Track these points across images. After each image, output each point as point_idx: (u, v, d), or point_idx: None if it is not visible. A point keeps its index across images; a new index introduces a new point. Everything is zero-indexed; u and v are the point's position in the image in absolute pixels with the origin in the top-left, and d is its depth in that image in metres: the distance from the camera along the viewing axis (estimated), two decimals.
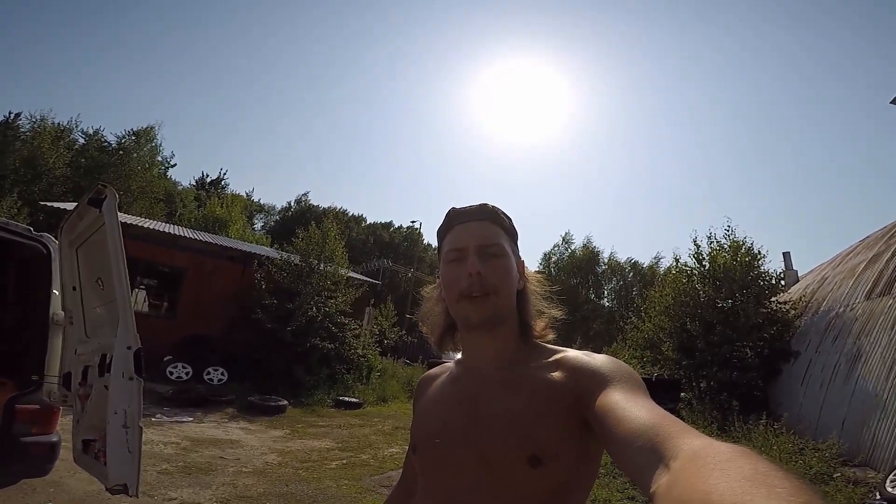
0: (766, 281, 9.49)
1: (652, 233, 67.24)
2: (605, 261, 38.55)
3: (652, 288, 12.96)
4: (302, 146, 73.46)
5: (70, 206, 11.09)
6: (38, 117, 26.82)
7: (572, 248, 38.82)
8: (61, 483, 3.43)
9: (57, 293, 3.11)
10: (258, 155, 69.57)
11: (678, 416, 4.52)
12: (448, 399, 0.80)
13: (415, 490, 0.87)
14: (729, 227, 10.15)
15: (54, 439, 2.84)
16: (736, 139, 73.36)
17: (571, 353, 0.74)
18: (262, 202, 48.01)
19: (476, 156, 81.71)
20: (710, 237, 10.27)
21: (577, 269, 37.43)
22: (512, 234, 0.84)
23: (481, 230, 0.80)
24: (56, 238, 3.08)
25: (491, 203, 0.85)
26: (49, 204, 13.09)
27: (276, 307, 10.55)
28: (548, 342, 0.81)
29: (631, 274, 37.85)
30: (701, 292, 9.66)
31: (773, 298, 9.27)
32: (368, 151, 76.74)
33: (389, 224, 56.45)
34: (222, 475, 4.47)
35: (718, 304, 9.32)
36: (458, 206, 0.85)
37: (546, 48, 78.80)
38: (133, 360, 2.21)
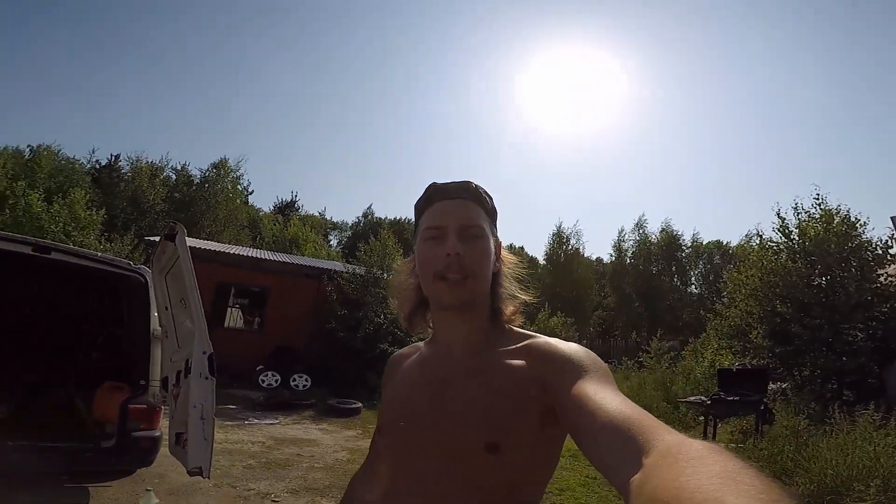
0: (871, 251, 8.38)
1: (737, 210, 62.01)
2: (688, 244, 36.11)
3: (734, 269, 11.97)
4: (361, 163, 76.62)
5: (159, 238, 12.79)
6: (135, 157, 30.77)
7: (646, 232, 36.63)
8: (165, 475, 3.96)
9: (155, 313, 3.67)
10: (326, 174, 73.57)
11: (768, 410, 4.12)
12: (415, 382, 0.80)
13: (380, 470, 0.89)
14: (818, 194, 9.06)
15: (157, 434, 3.35)
16: (818, 91, 65.08)
17: (540, 340, 0.74)
18: (334, 220, 50.82)
19: (532, 149, 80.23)
20: (796, 208, 9.28)
21: (656, 256, 35.38)
22: (492, 215, 0.83)
23: (463, 210, 0.78)
24: (150, 268, 3.66)
25: (474, 182, 0.83)
26: (149, 238, 15.06)
27: (347, 317, 11.25)
28: (517, 326, 0.81)
29: (718, 256, 35.10)
30: (792, 270, 8.79)
31: (881, 271, 8.21)
32: (421, 158, 78.06)
33: None
34: (297, 470, 4.88)
35: (814, 281, 8.44)
36: (439, 182, 0.83)
37: (593, 24, 75.69)
38: (207, 362, 2.58)
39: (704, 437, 6.49)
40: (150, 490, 3.29)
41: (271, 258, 14.77)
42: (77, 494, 3.57)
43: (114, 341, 4.15)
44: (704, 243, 36.19)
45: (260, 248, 23.65)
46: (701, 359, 11.88)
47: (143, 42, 60.11)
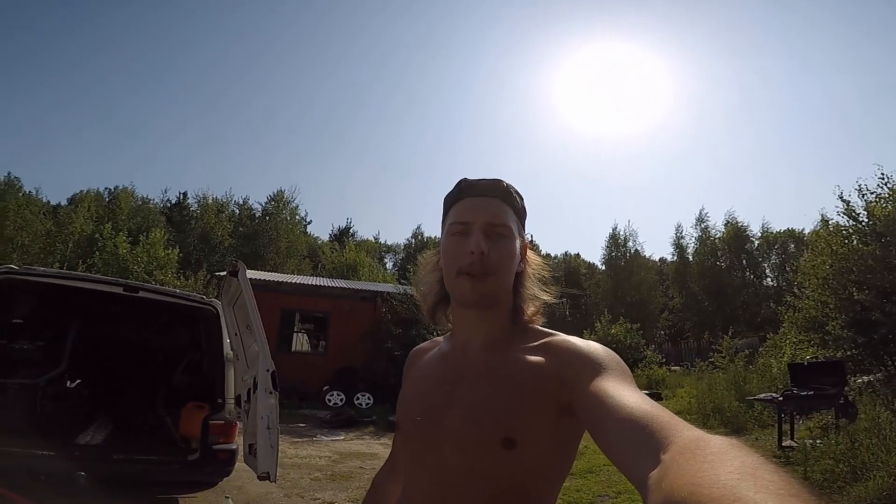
0: None
1: (806, 195, 57.29)
2: (757, 235, 33.80)
3: (801, 258, 11.20)
4: (409, 183, 78.48)
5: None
6: (202, 195, 33.60)
7: (707, 227, 34.63)
8: (241, 486, 4.35)
9: (227, 339, 4.12)
10: (378, 199, 76.04)
11: (849, 403, 4.82)
12: (433, 377, 0.81)
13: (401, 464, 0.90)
14: (883, 174, 8.50)
15: (234, 447, 3.73)
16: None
17: (559, 338, 0.74)
18: (388, 243, 52.32)
19: (579, 152, 78.63)
20: (860, 189, 8.68)
21: (722, 250, 33.35)
22: (521, 215, 0.83)
23: (491, 207, 0.78)
24: (220, 301, 4.16)
25: (505, 180, 0.82)
26: (219, 274, 16.49)
27: (402, 336, 11.65)
28: (539, 325, 0.81)
29: (792, 245, 32.57)
30: (866, 254, 8.14)
31: None
32: (466, 171, 78.56)
33: None
34: (359, 481, 5.16)
35: (892, 263, 7.75)
36: (470, 178, 0.83)
37: (632, 18, 73.75)
38: (270, 378, 2.93)
39: (779, 434, 6.11)
40: (228, 497, 3.68)
41: (330, 284, 15.59)
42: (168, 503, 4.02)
43: (194, 365, 4.66)
44: (775, 232, 33.73)
45: (320, 276, 24.94)
46: (779, 354, 11.16)
47: (199, 83, 65.98)
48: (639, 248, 37.29)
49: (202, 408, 3.90)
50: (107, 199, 35.63)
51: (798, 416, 6.58)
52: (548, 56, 78.90)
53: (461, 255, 0.75)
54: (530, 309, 0.80)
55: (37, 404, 3.97)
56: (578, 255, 58.39)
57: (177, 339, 4.88)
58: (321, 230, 56.13)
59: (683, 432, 0.45)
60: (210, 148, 65.71)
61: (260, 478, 2.89)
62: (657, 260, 46.54)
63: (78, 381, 4.53)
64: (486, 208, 0.78)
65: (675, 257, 36.29)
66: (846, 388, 6.16)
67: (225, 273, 4.02)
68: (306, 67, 74.25)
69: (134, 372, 4.83)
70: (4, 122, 51.42)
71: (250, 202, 34.25)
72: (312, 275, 27.17)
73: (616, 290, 34.55)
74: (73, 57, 57.75)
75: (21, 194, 33.96)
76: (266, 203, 33.11)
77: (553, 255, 58.34)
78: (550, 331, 0.78)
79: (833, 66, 62.97)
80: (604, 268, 38.52)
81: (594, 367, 0.64)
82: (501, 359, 0.74)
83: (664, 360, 18.77)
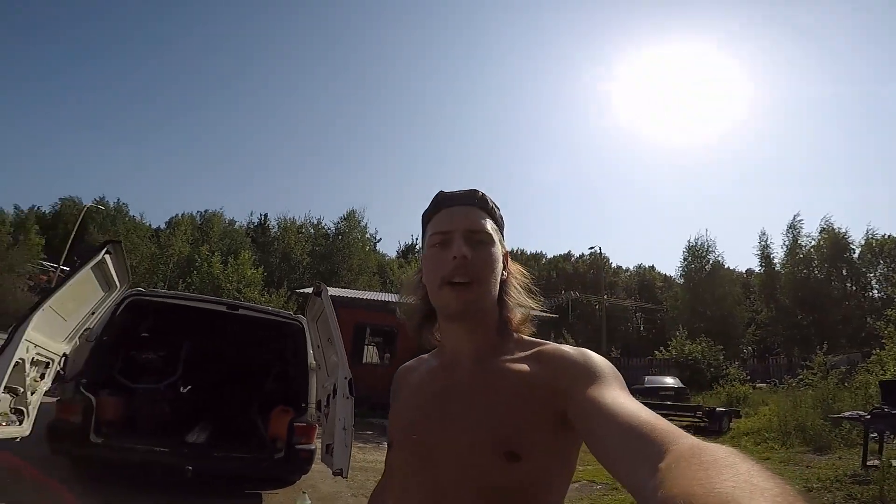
0: None
1: None
2: (860, 242, 30.44)
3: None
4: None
5: (309, 290, 15.33)
6: (282, 217, 36.48)
7: (799, 234, 31.64)
8: (315, 485, 4.79)
9: (310, 350, 4.63)
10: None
11: None
12: (424, 393, 0.80)
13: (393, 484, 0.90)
14: None
15: (313, 447, 4.18)
16: None
17: (550, 347, 0.73)
18: None
19: (653, 163, 75.02)
20: None
21: (818, 260, 30.33)
22: (499, 223, 0.83)
23: (470, 215, 0.78)
24: (305, 317, 4.74)
25: (481, 190, 0.83)
26: (300, 291, 17.92)
27: None
28: (527, 335, 0.80)
29: None
30: None
31: None
32: (532, 189, 77.75)
33: (568, 255, 55.33)
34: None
35: None
36: (446, 190, 0.84)
37: (705, 20, 69.66)
38: (347, 385, 3.38)
39: (864, 453, 5.68)
40: (304, 493, 4.14)
41: (396, 300, 16.36)
42: (254, 498, 4.50)
43: (282, 374, 5.27)
44: (881, 238, 30.17)
45: (388, 292, 26.02)
46: (881, 372, 10.13)
47: (277, 111, 71.64)
48: (720, 260, 34.92)
49: (288, 411, 4.40)
50: (199, 222, 39.75)
51: (890, 435, 6.06)
52: (621, 62, 76.87)
53: (443, 263, 0.74)
54: (517, 318, 0.80)
55: (157, 406, 4.67)
56: (653, 266, 55.73)
57: (268, 351, 5.55)
58: (389, 247, 58.35)
59: (681, 440, 0.45)
60: (289, 171, 71.08)
61: (334, 473, 3.30)
62: (743, 271, 43.27)
63: (189, 386, 5.30)
64: (464, 216, 0.78)
65: (762, 268, 33.48)
66: None
67: (306, 291, 4.60)
68: (371, 96, 78.21)
69: (233, 379, 5.53)
70: (111, 153, 59.38)
71: (324, 222, 36.76)
72: (381, 290, 28.42)
73: (695, 304, 32.56)
74: (166, 93, 65.32)
75: (127, 219, 38.78)
76: (338, 223, 35.33)
77: (624, 268, 56.08)
78: (540, 340, 0.77)
79: None
80: (682, 281, 36.42)
81: (589, 376, 0.64)
82: (493, 370, 0.73)
83: (749, 377, 17.62)
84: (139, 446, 3.87)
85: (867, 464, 5.55)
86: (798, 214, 37.35)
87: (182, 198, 77.10)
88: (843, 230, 30.64)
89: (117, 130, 64.47)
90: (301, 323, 4.76)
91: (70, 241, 28.74)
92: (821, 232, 30.93)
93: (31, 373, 3.37)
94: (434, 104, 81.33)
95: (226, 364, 5.61)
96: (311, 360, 4.58)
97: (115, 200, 42.14)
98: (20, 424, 3.22)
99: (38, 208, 44.41)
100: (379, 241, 38.16)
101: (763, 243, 33.06)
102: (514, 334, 0.79)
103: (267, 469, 4.26)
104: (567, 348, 0.72)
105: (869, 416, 5.86)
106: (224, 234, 37.54)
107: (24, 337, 3.06)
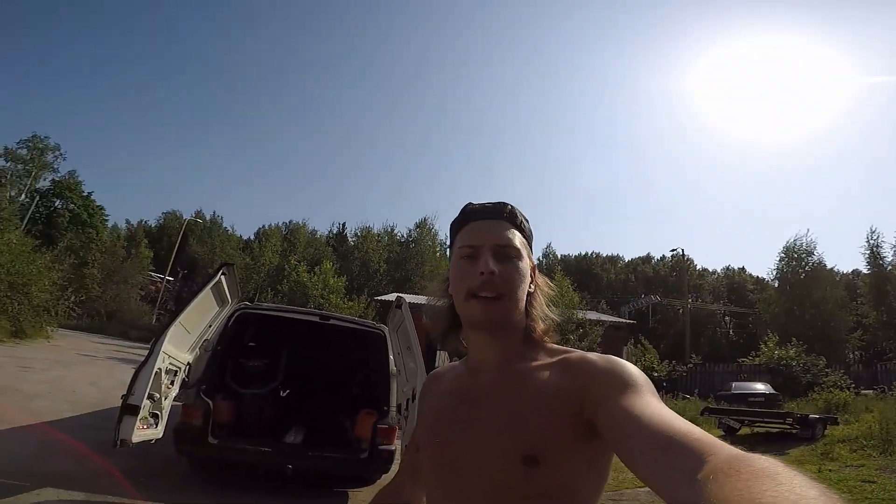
0: None
1: None
2: None
3: None
4: (535, 197, 77.99)
5: (388, 297, 16.03)
6: (361, 226, 38.33)
7: None
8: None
9: (391, 357, 4.98)
10: None
11: None
12: (450, 399, 0.82)
13: (405, 487, 0.94)
14: None
15: (393, 448, 4.47)
16: None
17: (576, 354, 0.73)
18: None
19: (746, 158, 69.14)
20: None
21: None
22: (528, 237, 0.83)
23: (498, 229, 0.79)
24: (386, 326, 5.16)
25: (510, 203, 0.83)
26: (379, 298, 18.92)
27: None
28: (552, 344, 0.81)
29: None
30: None
31: None
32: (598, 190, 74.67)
33: (648, 257, 52.50)
34: None
35: None
36: (475, 202, 0.84)
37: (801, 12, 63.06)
38: None
39: None
40: None
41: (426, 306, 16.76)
42: (340, 497, 4.85)
43: (366, 379, 5.70)
44: None
45: None
46: None
47: (357, 127, 75.69)
48: (820, 260, 31.58)
49: (372, 414, 4.72)
50: (285, 233, 42.81)
51: None
52: (708, 55, 72.15)
53: (471, 276, 0.75)
54: (541, 327, 0.80)
55: (261, 410, 5.14)
56: (743, 269, 51.57)
57: (355, 357, 6.00)
58: None
59: (719, 451, 0.44)
60: (366, 181, 74.75)
61: None
62: (848, 272, 38.70)
63: (288, 391, 5.86)
64: (493, 230, 0.79)
65: (870, 269, 29.80)
66: None
67: (384, 298, 5.01)
68: (437, 98, 79.89)
69: (324, 384, 6.03)
70: (202, 166, 65.98)
71: (396, 230, 38.22)
72: None
73: (791, 308, 29.73)
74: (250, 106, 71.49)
75: (222, 231, 42.47)
76: (412, 230, 36.58)
77: (711, 270, 52.39)
78: (565, 347, 0.78)
79: None
80: (776, 284, 33.38)
81: (619, 383, 0.63)
82: (516, 377, 0.74)
83: (852, 383, 16.11)
84: (249, 447, 4.28)
85: None
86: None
87: (267, 210, 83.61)
88: None
89: (210, 145, 71.88)
90: (383, 332, 5.13)
91: (174, 253, 32.24)
92: None
93: (165, 381, 3.94)
94: (506, 106, 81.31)
95: (318, 370, 6.10)
96: (392, 366, 4.91)
97: (212, 213, 46.40)
98: (156, 427, 3.75)
99: (146, 222, 49.25)
100: (449, 246, 38.92)
101: (873, 242, 29.45)
102: (539, 343, 0.80)
103: (354, 468, 4.53)
104: (592, 356, 0.72)
105: None
106: (308, 243, 40.21)
107: (162, 349, 3.61)
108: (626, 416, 0.58)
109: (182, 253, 35.15)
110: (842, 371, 17.85)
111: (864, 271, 31.34)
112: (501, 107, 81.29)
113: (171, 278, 34.24)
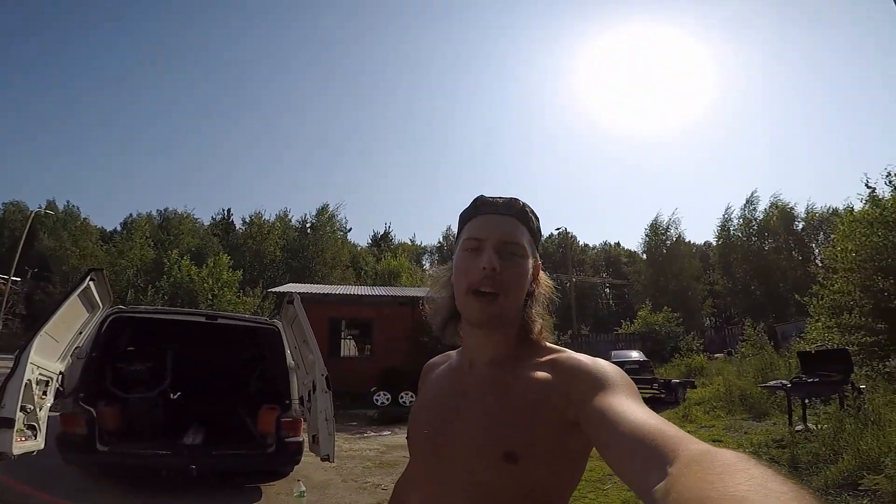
0: None
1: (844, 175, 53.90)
2: (803, 216, 32.56)
3: (826, 246, 11.19)
4: (433, 183, 79.69)
5: (283, 289, 15.47)
6: (253, 213, 35.74)
7: (755, 209, 33.59)
8: (308, 475, 5.18)
9: (288, 351, 5.01)
10: (411, 201, 77.67)
11: (857, 389, 5.53)
12: (441, 391, 0.83)
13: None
14: None
15: (301, 439, 4.61)
16: None
17: (566, 355, 0.74)
18: (423, 244, 53.50)
19: (619, 142, 77.01)
20: (888, 176, 8.72)
21: (770, 232, 32.29)
22: (536, 236, 0.83)
23: (506, 225, 0.79)
24: (280, 321, 5.13)
25: (521, 200, 0.83)
26: (272, 290, 18.05)
27: (432, 340, 12.53)
28: (547, 343, 0.81)
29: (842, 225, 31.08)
30: (890, 242, 8.14)
31: None
32: (496, 171, 78.73)
33: None
34: (402, 468, 5.79)
35: None
36: (487, 195, 0.84)
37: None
38: (325, 381, 3.86)
39: (790, 419, 6.44)
40: (299, 481, 4.62)
41: (370, 293, 16.71)
42: (254, 492, 4.85)
43: (264, 374, 5.69)
44: (819, 212, 32.37)
45: (363, 284, 26.26)
46: (812, 340, 11.20)
47: (226, 98, 69.91)
48: (681, 235, 36.55)
49: (274, 409, 4.78)
50: (159, 221, 38.51)
51: (815, 401, 6.69)
52: (584, 42, 77.86)
53: (473, 271, 0.75)
54: (537, 326, 0.80)
55: (151, 413, 5.01)
56: (618, 243, 57.42)
57: (249, 354, 5.95)
58: (361, 236, 58.22)
59: (690, 445, 0.46)
60: (247, 163, 69.64)
61: (322, 459, 3.80)
62: (702, 245, 45.27)
63: (178, 393, 5.65)
64: (500, 226, 0.78)
65: (720, 241, 35.34)
66: (850, 376, 6.33)
67: (279, 290, 4.98)
68: (335, 75, 76.98)
69: (219, 382, 5.90)
70: (56, 155, 56.50)
71: (295, 217, 36.39)
72: (356, 283, 28.65)
73: (657, 279, 34.07)
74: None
75: (79, 222, 36.85)
76: (312, 218, 35.10)
77: (591, 246, 57.75)
78: (558, 347, 0.79)
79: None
80: (645, 257, 37.95)
81: (601, 384, 0.65)
82: (508, 375, 0.75)
83: (703, 347, 18.46)
84: (144, 451, 4.23)
85: (795, 429, 6.13)
86: (756, 191, 40.10)
87: (135, 198, 73.96)
88: (792, 204, 32.72)
89: (61, 130, 61.18)
90: (277, 327, 5.15)
91: (20, 249, 27.57)
92: (770, 206, 32.91)
93: (37, 391, 3.72)
94: (399, 88, 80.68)
95: (211, 369, 5.96)
96: (289, 360, 4.98)
97: (66, 203, 40.22)
98: (36, 439, 3.59)
99: None
100: (349, 230, 37.93)
101: (725, 217, 34.82)
102: (534, 342, 0.80)
103: (261, 463, 4.65)
104: (581, 357, 0.73)
105: (790, 385, 6.58)
106: (188, 233, 36.62)
107: (29, 360, 3.44)
108: (604, 414, 0.60)
109: (30, 249, 30.33)
110: (697, 336, 20.02)
111: (714, 243, 37.05)
112: (383, 96, 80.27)
113: (17, 279, 29.20)
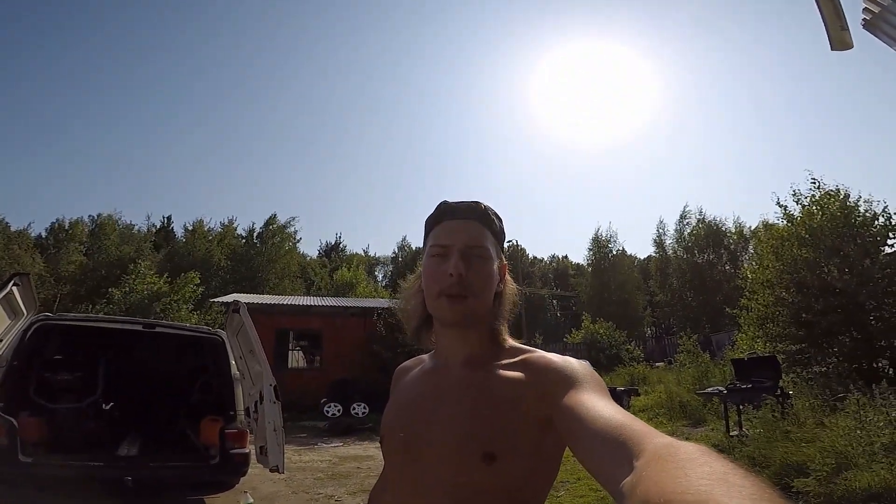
0: (873, 229, 8.32)
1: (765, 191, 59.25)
2: (732, 231, 35.07)
3: (749, 263, 12.16)
4: (390, 194, 79.50)
5: (227, 298, 14.79)
6: (196, 221, 33.90)
7: (688, 223, 35.80)
8: (256, 487, 5.11)
9: (233, 362, 4.85)
10: (364, 212, 76.84)
11: (785, 395, 5.92)
12: (415, 393, 0.84)
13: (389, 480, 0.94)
14: (815, 179, 9.10)
15: (247, 451, 4.46)
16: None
17: (537, 354, 0.76)
18: (377, 255, 52.96)
19: (564, 157, 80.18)
20: (794, 194, 9.28)
21: (701, 246, 34.51)
22: (499, 237, 0.85)
23: (470, 230, 0.81)
24: (225, 331, 4.97)
25: (483, 202, 0.85)
26: (215, 300, 17.01)
27: (388, 338, 12.44)
28: (514, 343, 0.83)
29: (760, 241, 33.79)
30: (798, 259, 8.68)
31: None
32: (450, 181, 79.76)
33: None
34: (356, 478, 5.93)
35: (822, 266, 8.47)
36: (450, 200, 0.86)
37: (604, 20, 75.76)
38: (273, 391, 3.77)
39: (726, 425, 6.69)
40: (246, 492, 4.46)
41: (320, 304, 16.37)
42: (197, 503, 4.72)
43: (207, 385, 5.45)
44: (747, 228, 35.02)
45: (314, 295, 25.57)
46: (742, 350, 12.03)
47: (186, 113, 66.74)
48: (622, 248, 38.31)
49: (217, 420, 4.64)
50: (91, 227, 35.70)
51: (749, 407, 6.85)
52: (529, 60, 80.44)
53: (441, 277, 0.78)
54: (505, 328, 0.83)
55: (81, 424, 4.73)
56: (566, 256, 59.41)
57: (191, 364, 5.69)
58: (310, 247, 56.70)
59: (655, 440, 0.47)
60: (194, 168, 66.49)
61: (271, 470, 3.70)
62: (644, 258, 47.69)
63: (112, 403, 5.33)
64: (464, 231, 0.81)
65: (658, 254, 37.38)
66: (778, 382, 6.81)
67: (226, 301, 4.84)
68: (291, 79, 75.38)
69: (156, 393, 5.62)
70: None
71: (242, 226, 34.96)
72: (306, 293, 27.88)
73: (601, 290, 35.47)
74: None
75: (3, 226, 32.91)
76: (261, 228, 33.83)
77: (541, 259, 59.42)
78: (528, 347, 0.80)
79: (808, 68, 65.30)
80: (590, 269, 39.46)
81: (571, 382, 0.67)
82: (482, 375, 0.77)
83: (643, 357, 19.39)
84: (73, 462, 4.00)
85: (731, 434, 6.39)
86: (687, 205, 43.01)
87: (64, 202, 68.19)
88: (719, 219, 35.12)
89: None
90: (221, 337, 4.99)
91: None
92: (698, 221, 35.25)
93: None
94: (355, 94, 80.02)
95: (148, 379, 5.68)
96: (234, 371, 4.83)
97: None
98: None
99: None
100: (299, 240, 36.91)
101: (660, 231, 36.81)
102: (505, 342, 0.82)
103: (204, 475, 4.49)
104: (552, 356, 0.75)
105: (725, 391, 6.92)
106: (123, 239, 34.18)
107: None
108: (574, 410, 0.62)
109: None
110: (639, 346, 20.99)
111: (654, 257, 39.14)
112: (332, 92, 79.06)
113: None
